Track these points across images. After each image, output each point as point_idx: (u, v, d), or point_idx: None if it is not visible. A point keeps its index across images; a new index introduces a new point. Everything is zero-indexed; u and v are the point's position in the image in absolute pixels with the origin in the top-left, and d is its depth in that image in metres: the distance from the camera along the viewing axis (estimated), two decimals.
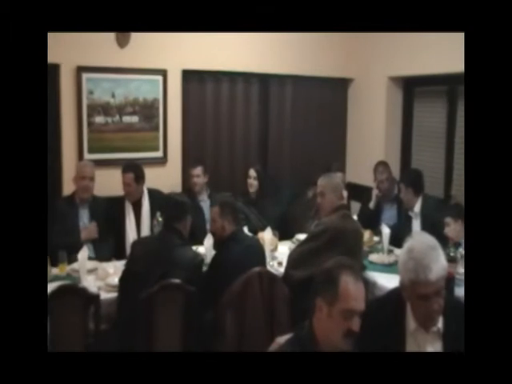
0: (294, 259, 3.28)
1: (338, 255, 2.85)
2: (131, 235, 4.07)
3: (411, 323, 2.10)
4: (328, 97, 5.64)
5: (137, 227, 4.13)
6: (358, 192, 5.14)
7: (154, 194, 4.20)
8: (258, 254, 3.20)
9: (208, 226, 3.99)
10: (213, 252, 3.62)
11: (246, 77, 5.28)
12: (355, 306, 1.84)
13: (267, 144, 5.45)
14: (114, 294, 3.09)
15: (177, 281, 2.77)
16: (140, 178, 4.09)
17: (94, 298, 2.75)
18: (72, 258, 3.48)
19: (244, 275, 2.97)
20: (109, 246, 3.99)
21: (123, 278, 2.99)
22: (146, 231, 4.11)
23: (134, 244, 3.13)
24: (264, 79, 5.38)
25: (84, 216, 4.00)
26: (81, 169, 4.03)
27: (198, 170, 4.45)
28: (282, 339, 2.21)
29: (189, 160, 4.95)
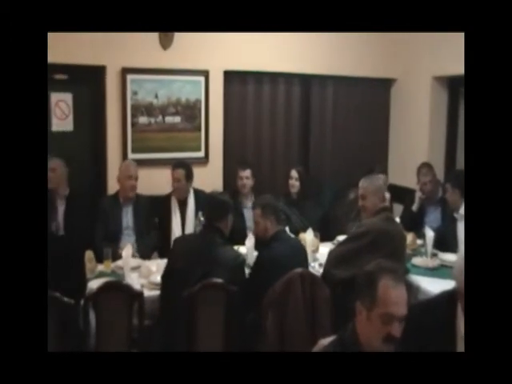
0: (334, 258, 3.26)
1: (379, 257, 2.80)
2: (177, 233, 4.13)
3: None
4: (370, 97, 5.57)
5: (182, 225, 4.18)
6: (400, 194, 5.06)
7: (200, 195, 4.24)
8: (300, 254, 3.19)
9: (248, 232, 4.00)
10: (254, 253, 3.63)
11: (288, 77, 5.28)
12: (395, 311, 1.81)
13: (308, 145, 5.42)
14: (156, 292, 3.13)
15: (219, 280, 2.78)
16: (190, 176, 4.15)
17: (138, 295, 2.79)
18: (116, 255, 3.55)
19: (286, 276, 2.96)
20: (152, 243, 4.04)
21: (165, 276, 3.03)
22: (190, 229, 4.15)
23: (176, 241, 3.16)
24: (305, 80, 5.36)
25: (128, 214, 4.06)
26: (126, 168, 4.09)
27: (248, 173, 4.44)
28: (325, 341, 2.19)
29: (231, 162, 4.98)
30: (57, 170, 3.90)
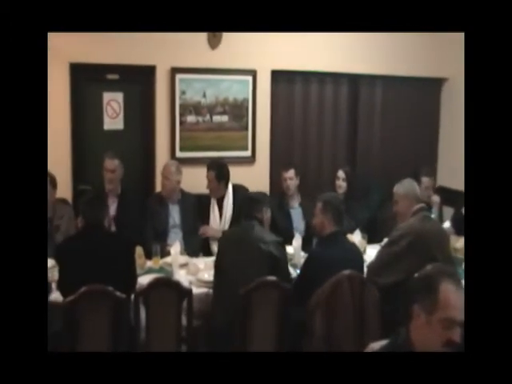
0: (375, 267, 3.26)
1: (420, 258, 2.94)
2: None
3: None
4: (420, 97, 5.46)
5: (220, 223, 4.20)
6: (451, 197, 4.93)
7: (239, 191, 4.24)
8: (356, 259, 3.14)
9: (295, 232, 3.99)
10: (301, 253, 3.62)
11: (336, 77, 5.23)
12: (456, 316, 1.76)
13: (356, 145, 5.37)
14: (204, 290, 3.16)
15: (273, 278, 2.79)
16: (221, 177, 4.14)
17: (187, 292, 2.82)
18: (164, 252, 3.61)
19: (334, 277, 2.93)
20: (199, 241, 4.08)
21: (215, 269, 3.10)
22: (227, 226, 4.15)
23: (222, 234, 3.20)
24: (353, 79, 5.30)
25: (174, 213, 4.11)
26: (166, 169, 4.11)
27: (291, 173, 4.41)
28: (376, 345, 2.15)
29: (278, 161, 4.99)
30: (116, 171, 3.97)
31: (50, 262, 3.17)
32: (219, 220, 4.18)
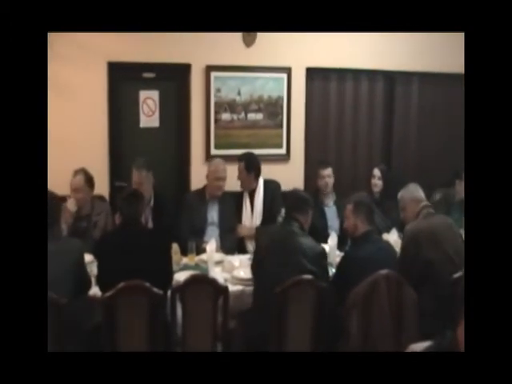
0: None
1: (439, 254, 3.10)
2: (247, 225, 4.15)
3: None
4: (457, 94, 5.30)
5: (252, 217, 4.19)
6: None
7: (270, 186, 4.22)
8: (390, 259, 3.10)
9: (330, 231, 3.95)
10: (337, 252, 3.59)
11: (371, 74, 5.17)
12: None
13: (392, 143, 5.29)
14: (239, 287, 3.16)
15: (309, 277, 2.78)
16: (250, 168, 4.12)
17: (224, 289, 2.82)
18: (200, 249, 3.63)
19: (370, 277, 2.90)
20: (234, 239, 4.08)
21: (252, 267, 3.10)
22: (258, 221, 4.16)
23: (259, 233, 3.21)
24: (389, 76, 5.23)
25: (213, 210, 4.12)
26: (215, 169, 4.09)
27: (329, 171, 4.37)
28: (416, 346, 2.13)
29: (312, 159, 4.96)
30: (144, 184, 3.85)
31: (88, 257, 3.24)
32: (251, 214, 4.18)
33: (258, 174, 4.16)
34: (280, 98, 4.93)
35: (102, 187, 4.25)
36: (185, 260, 3.52)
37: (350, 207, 3.13)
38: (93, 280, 3.03)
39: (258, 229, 3.66)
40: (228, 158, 4.61)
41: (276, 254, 2.95)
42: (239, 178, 4.16)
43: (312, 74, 5.02)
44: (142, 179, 3.83)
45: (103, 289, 2.86)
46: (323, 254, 3.03)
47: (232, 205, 4.18)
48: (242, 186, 4.20)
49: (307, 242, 2.99)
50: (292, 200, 3.17)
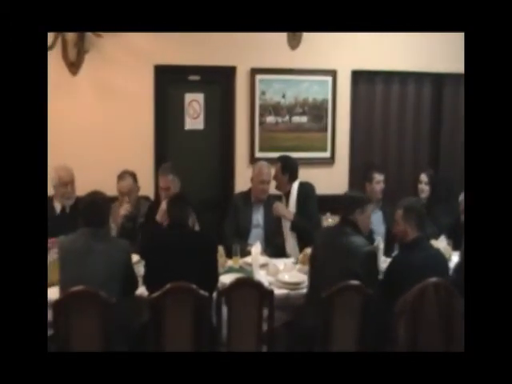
0: None
1: None
2: (284, 227, 4.11)
3: None
4: None
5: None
6: None
7: (304, 187, 4.16)
8: (440, 266, 3.03)
9: (375, 237, 3.88)
10: (382, 257, 3.53)
11: (418, 77, 5.07)
12: None
13: (439, 147, 5.18)
14: (284, 291, 3.14)
15: (356, 282, 2.74)
16: (286, 169, 4.07)
17: (269, 293, 2.81)
18: (244, 252, 3.62)
19: (419, 285, 2.83)
20: (279, 242, 4.05)
21: (309, 262, 3.11)
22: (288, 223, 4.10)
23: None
24: (437, 79, 5.11)
25: (258, 213, 4.11)
26: (259, 173, 4.07)
27: (382, 177, 4.30)
28: None
29: (357, 163, 4.91)
30: (170, 189, 3.79)
31: (135, 258, 3.29)
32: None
33: (293, 177, 4.11)
34: (325, 101, 4.90)
35: (147, 188, 4.31)
36: (229, 262, 3.52)
37: (400, 212, 3.07)
38: (139, 280, 3.07)
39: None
40: (272, 161, 4.60)
41: (327, 253, 2.97)
42: (274, 178, 4.15)
43: (357, 76, 4.97)
44: (169, 184, 3.79)
45: (150, 289, 2.89)
46: (373, 255, 2.99)
47: None
48: (276, 187, 4.18)
49: (358, 241, 2.96)
50: (346, 201, 3.17)
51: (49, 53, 4.39)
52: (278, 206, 4.00)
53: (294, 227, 3.97)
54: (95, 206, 2.90)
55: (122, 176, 3.91)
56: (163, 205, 3.62)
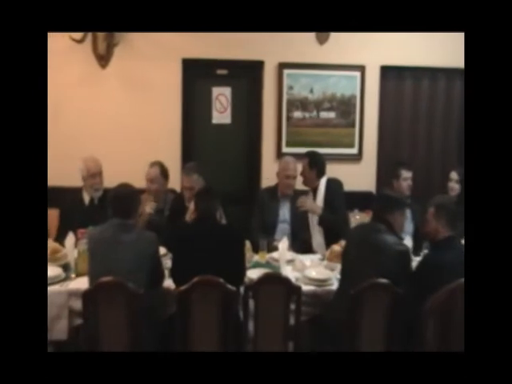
0: None
1: None
2: (310, 223, 4.09)
3: None
4: None
5: (312, 215, 4.11)
6: None
7: (332, 184, 4.12)
8: None
9: (403, 235, 3.81)
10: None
11: (448, 73, 4.98)
12: None
13: None
14: (311, 288, 3.12)
15: (384, 281, 2.70)
16: (313, 165, 4.04)
17: (297, 289, 2.79)
18: (270, 247, 3.61)
19: (450, 285, 2.78)
20: (306, 238, 4.03)
21: (341, 257, 3.08)
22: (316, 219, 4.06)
23: (350, 232, 3.18)
24: None
25: (285, 208, 4.09)
26: (285, 166, 4.07)
27: (410, 173, 4.23)
28: None
29: (385, 159, 4.85)
30: (194, 188, 3.70)
31: (162, 250, 3.30)
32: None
33: (320, 172, 4.08)
34: (353, 97, 4.85)
35: (174, 181, 4.32)
36: (256, 257, 3.51)
37: (431, 210, 3.02)
38: (166, 273, 3.08)
39: (351, 228, 3.58)
40: (299, 157, 4.57)
41: (359, 250, 2.94)
42: (301, 174, 4.13)
43: (386, 72, 4.91)
44: (193, 183, 3.77)
45: (177, 282, 2.90)
46: (407, 255, 2.94)
47: None
48: (303, 182, 4.15)
49: (391, 240, 2.92)
50: (380, 201, 3.14)
51: (79, 46, 4.46)
52: (306, 200, 3.96)
53: (322, 222, 3.93)
54: (124, 198, 2.92)
55: (150, 165, 3.96)
56: (192, 205, 3.63)
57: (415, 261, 3.21)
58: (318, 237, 3.99)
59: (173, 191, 4.21)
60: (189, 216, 3.58)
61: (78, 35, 4.40)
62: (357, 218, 3.74)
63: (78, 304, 2.90)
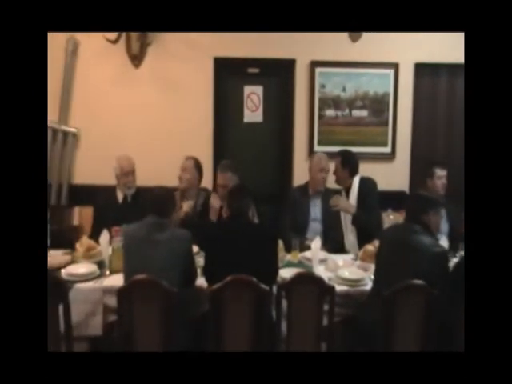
0: None
1: None
2: (342, 222, 4.06)
3: None
4: None
5: (345, 214, 4.07)
6: None
7: (366, 182, 4.07)
8: None
9: (438, 235, 3.75)
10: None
11: None
12: None
13: None
14: (344, 288, 3.09)
15: (419, 282, 2.65)
16: (346, 164, 4.01)
17: (331, 289, 2.76)
18: (302, 246, 3.59)
19: None
20: (338, 237, 3.99)
21: (375, 258, 3.06)
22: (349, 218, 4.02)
23: (383, 232, 3.14)
24: None
25: (316, 206, 4.07)
26: (318, 161, 4.06)
27: (444, 172, 4.15)
28: None
29: (418, 158, 4.77)
30: (228, 186, 3.66)
31: (195, 248, 3.32)
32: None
33: (353, 171, 4.04)
34: (386, 95, 4.79)
35: (205, 180, 4.34)
36: (288, 257, 3.49)
37: None
38: (198, 271, 3.09)
39: (384, 228, 3.54)
40: (331, 155, 4.54)
41: (394, 250, 2.90)
42: (334, 173, 4.09)
43: (420, 69, 4.82)
44: (228, 182, 3.76)
45: (209, 280, 2.90)
46: (444, 256, 2.88)
47: None
48: (336, 181, 4.12)
49: (428, 241, 2.87)
50: (415, 201, 3.09)
51: (113, 46, 4.51)
52: (339, 199, 3.93)
53: (355, 221, 3.89)
54: (161, 198, 2.95)
55: (187, 157, 4.02)
56: (215, 203, 3.64)
57: (452, 262, 3.14)
58: (350, 236, 3.95)
59: (205, 190, 4.22)
60: (213, 215, 3.58)
61: (112, 36, 4.46)
62: (390, 217, 3.68)
63: (111, 301, 2.94)
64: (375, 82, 4.79)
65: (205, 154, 4.63)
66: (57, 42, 4.50)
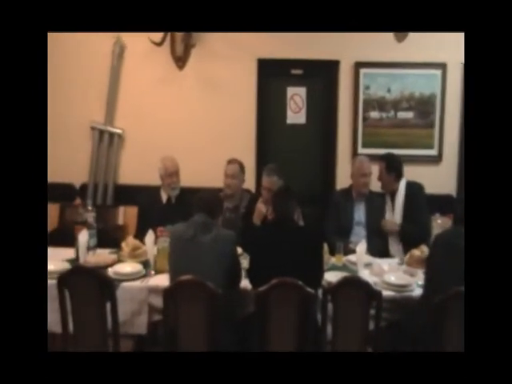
0: None
1: None
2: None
3: None
4: None
5: (392, 219, 4.00)
6: None
7: (412, 187, 3.99)
8: None
9: None
10: None
11: None
12: None
13: None
14: (390, 293, 3.03)
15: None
16: (391, 168, 3.96)
17: (377, 294, 2.71)
18: (347, 249, 3.54)
19: None
20: (382, 241, 3.93)
21: (426, 261, 3.01)
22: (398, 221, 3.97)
23: (437, 237, 3.08)
24: None
25: (360, 210, 4.02)
26: (360, 165, 4.02)
27: None
28: None
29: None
30: (273, 189, 3.61)
31: (239, 250, 3.31)
32: (391, 217, 4.00)
33: (398, 176, 3.98)
34: (433, 96, 4.68)
35: (248, 181, 4.34)
36: (332, 260, 3.45)
37: None
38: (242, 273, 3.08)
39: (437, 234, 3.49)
40: (375, 158, 4.47)
41: (445, 256, 2.82)
42: (379, 178, 4.03)
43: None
44: (273, 185, 3.72)
45: (254, 282, 2.89)
46: None
47: (379, 205, 4.03)
48: (382, 186, 4.06)
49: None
50: (460, 206, 2.99)
51: (158, 49, 4.56)
52: (387, 223, 3.97)
53: (403, 236, 3.89)
54: (210, 199, 2.98)
55: (229, 161, 4.01)
56: (262, 207, 3.62)
57: None
58: (395, 240, 3.88)
59: (247, 191, 4.22)
60: (256, 218, 3.57)
61: (157, 38, 4.51)
62: (438, 222, 3.60)
63: (156, 300, 2.97)
64: (421, 83, 4.69)
65: (247, 155, 4.64)
66: (104, 45, 4.59)
